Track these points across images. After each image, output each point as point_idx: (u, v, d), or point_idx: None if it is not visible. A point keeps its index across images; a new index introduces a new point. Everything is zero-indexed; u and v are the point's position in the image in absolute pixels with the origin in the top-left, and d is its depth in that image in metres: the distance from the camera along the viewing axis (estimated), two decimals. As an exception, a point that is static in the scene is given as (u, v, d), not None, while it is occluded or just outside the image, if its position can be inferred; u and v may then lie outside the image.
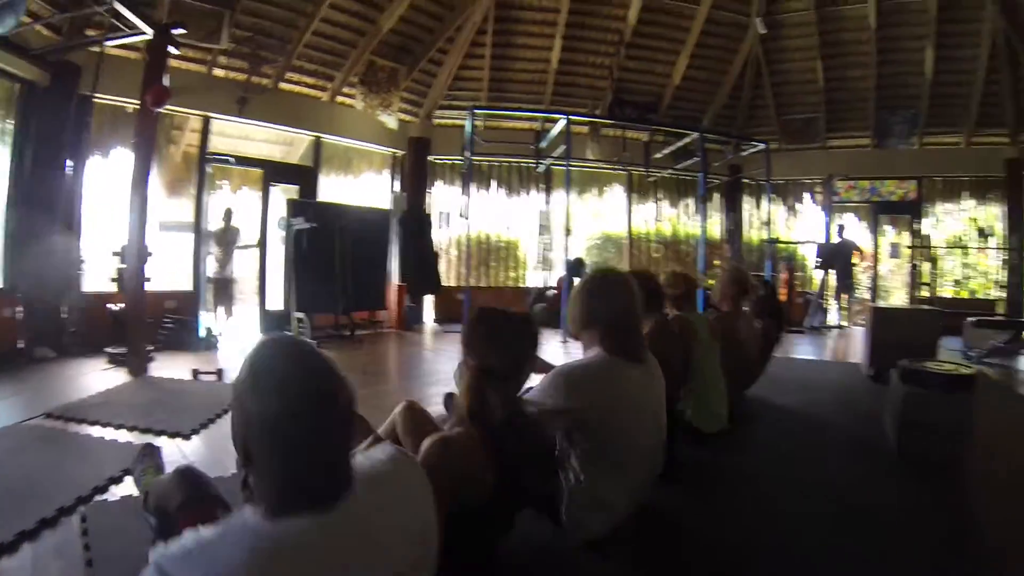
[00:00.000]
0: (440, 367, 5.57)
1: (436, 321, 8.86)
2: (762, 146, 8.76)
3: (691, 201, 10.40)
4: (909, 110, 9.47)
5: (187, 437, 3.24)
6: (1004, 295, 9.37)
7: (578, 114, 8.60)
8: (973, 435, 2.53)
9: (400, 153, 8.89)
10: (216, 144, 7.08)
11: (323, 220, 6.68)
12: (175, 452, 3.00)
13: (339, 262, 6.87)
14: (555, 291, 8.68)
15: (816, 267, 9.58)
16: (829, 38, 9.28)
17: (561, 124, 7.68)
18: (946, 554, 2.09)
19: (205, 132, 6.97)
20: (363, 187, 8.65)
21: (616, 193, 10.30)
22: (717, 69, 9.69)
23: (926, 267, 9.91)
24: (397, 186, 8.91)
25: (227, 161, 7.16)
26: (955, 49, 8.80)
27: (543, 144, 8.57)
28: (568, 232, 7.74)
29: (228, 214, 7.06)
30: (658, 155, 9.37)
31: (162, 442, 3.05)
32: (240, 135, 7.71)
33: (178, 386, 4.39)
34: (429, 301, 8.82)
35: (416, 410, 2.07)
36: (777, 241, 9.73)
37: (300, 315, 6.66)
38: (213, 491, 1.70)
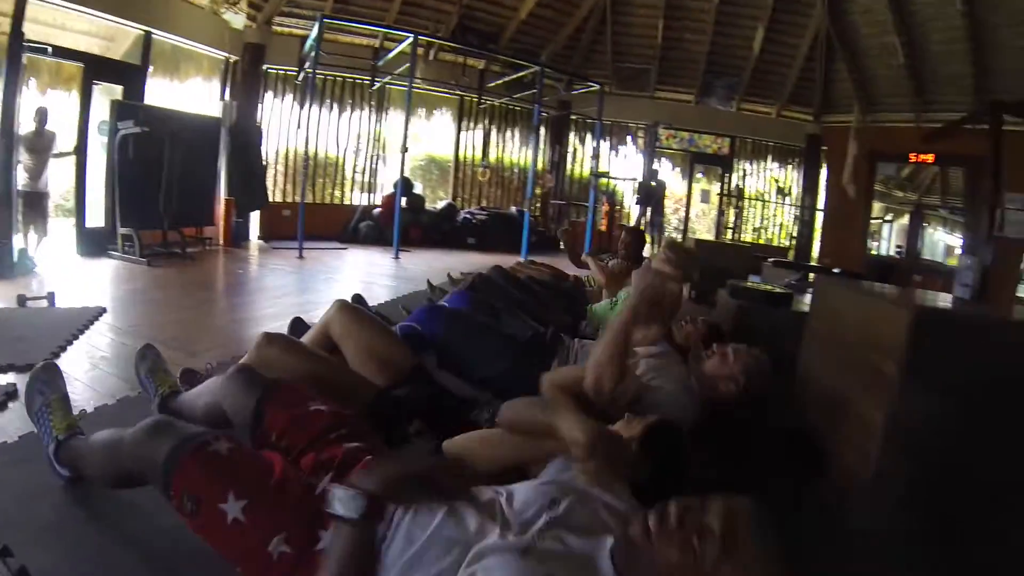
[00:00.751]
0: (273, 283, 6.00)
1: (261, 238, 8.70)
2: (596, 86, 9.50)
3: (518, 131, 11.10)
4: (733, 77, 10.52)
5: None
6: (795, 244, 11.35)
7: (423, 34, 8.72)
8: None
9: (233, 59, 8.33)
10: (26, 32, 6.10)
11: (152, 126, 6.21)
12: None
13: (167, 173, 6.49)
14: (381, 209, 8.92)
15: (635, 203, 10.56)
16: (674, 2, 9.99)
17: (408, 42, 7.93)
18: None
19: (19, 14, 5.95)
20: (190, 94, 8.09)
21: (444, 117, 10.61)
22: (563, 11, 10.20)
23: (732, 214, 11.38)
24: (228, 95, 8.41)
25: (44, 51, 6.32)
26: (783, 34, 10.08)
27: (381, 62, 8.62)
28: (405, 151, 7.95)
29: (42, 115, 6.08)
30: (492, 84, 9.71)
31: (13, 378, 2.60)
32: (55, 23, 6.90)
33: (5, 315, 3.87)
34: (255, 217, 8.65)
35: (352, 310, 2.36)
36: (603, 175, 10.72)
37: (126, 231, 6.27)
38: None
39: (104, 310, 3.86)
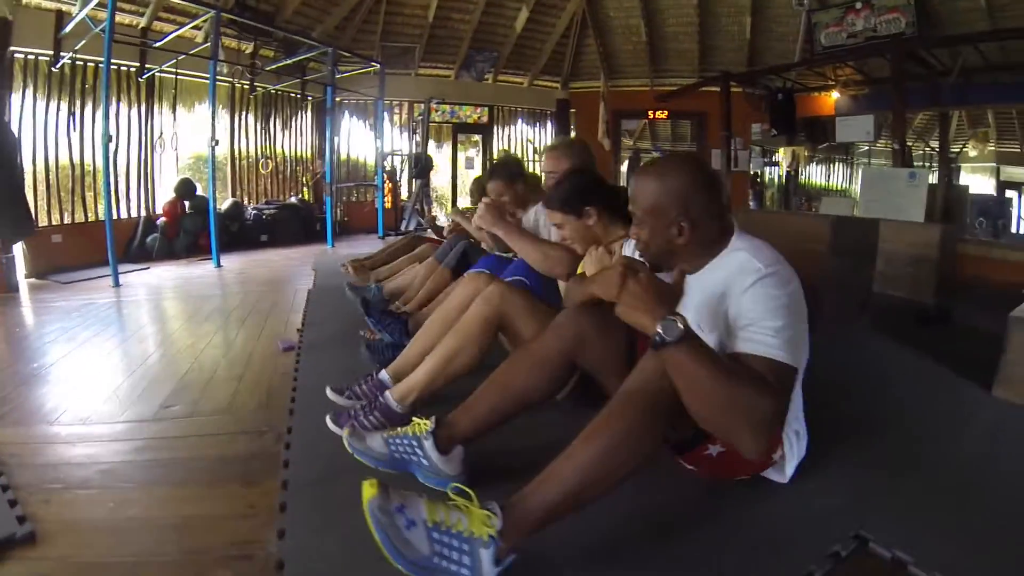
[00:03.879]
0: (146, 326, 4.57)
1: (34, 276, 6.44)
2: (376, 66, 9.52)
3: (295, 118, 10.57)
4: (493, 53, 10.91)
5: None
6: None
7: (225, 10, 7.61)
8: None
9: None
10: None
11: None
12: None
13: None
14: (164, 218, 7.91)
15: (412, 177, 10.72)
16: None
17: (204, 18, 7.32)
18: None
19: None
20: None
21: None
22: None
23: None
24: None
25: None
26: (543, 15, 11.02)
27: (157, 44, 7.43)
28: (215, 143, 7.11)
29: None
30: (271, 67, 9.30)
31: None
32: None
33: None
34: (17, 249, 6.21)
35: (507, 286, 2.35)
36: (390, 154, 10.75)
37: None
38: None
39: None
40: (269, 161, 9.89)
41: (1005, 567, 1.46)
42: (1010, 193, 9.90)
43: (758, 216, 4.96)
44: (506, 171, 3.57)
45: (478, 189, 5.56)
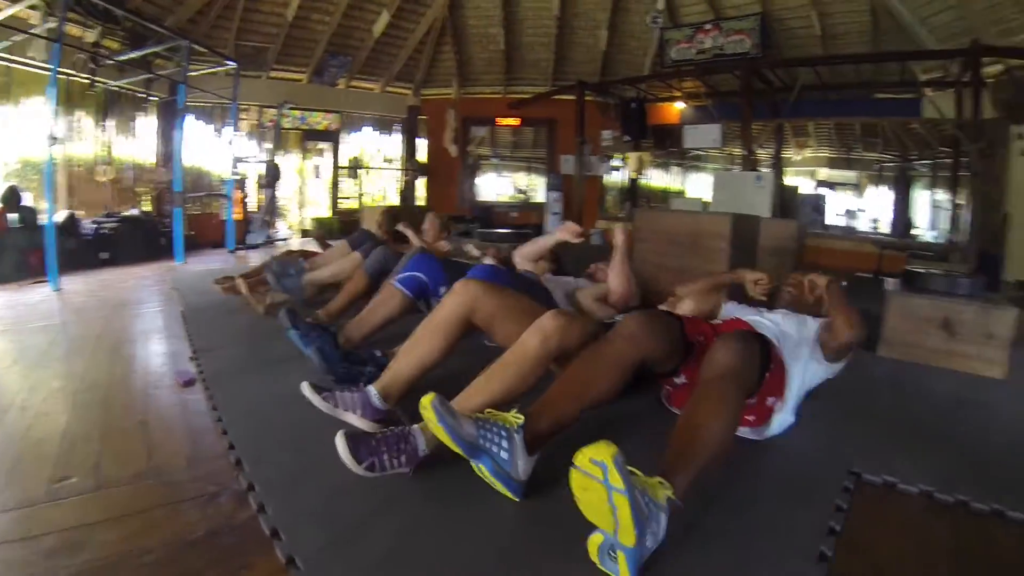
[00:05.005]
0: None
1: None
2: (232, 64, 8.91)
3: (137, 118, 9.50)
4: (347, 57, 10.65)
5: None
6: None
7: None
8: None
9: None
10: None
11: None
12: None
13: None
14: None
15: (262, 186, 10.26)
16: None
17: None
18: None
19: None
20: None
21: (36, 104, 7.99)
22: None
23: (348, 184, 12.15)
24: None
25: None
26: (404, 20, 10.95)
27: None
28: (54, 142, 6.16)
29: None
30: (121, 59, 8.34)
31: None
32: None
33: None
34: None
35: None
36: (241, 160, 10.01)
37: None
38: None
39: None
40: (108, 167, 8.99)
41: (946, 468, 2.10)
42: (822, 190, 11.15)
43: (656, 215, 5.36)
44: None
45: (388, 219, 5.54)
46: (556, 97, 10.92)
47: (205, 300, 4.78)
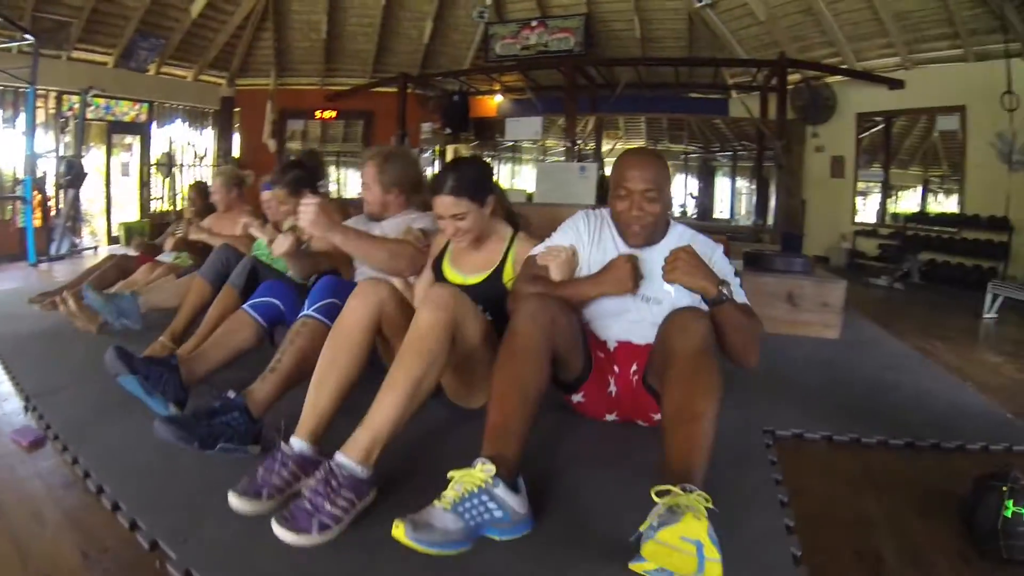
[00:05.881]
0: None
1: None
2: (30, 39, 7.82)
3: None
4: (160, 39, 9.88)
5: None
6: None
7: None
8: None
9: None
10: None
11: None
12: None
13: None
14: None
15: (63, 186, 9.08)
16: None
17: None
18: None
19: None
20: None
21: None
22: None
23: (164, 183, 11.24)
24: None
25: None
26: (224, 2, 10.16)
27: None
28: None
29: None
30: None
31: None
32: None
33: None
34: None
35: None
36: (40, 156, 8.75)
37: None
38: None
39: None
40: None
41: (825, 415, 2.63)
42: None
43: (532, 208, 5.53)
44: (294, 179, 3.53)
45: (199, 195, 5.15)
46: (375, 90, 10.97)
47: (22, 327, 3.83)
